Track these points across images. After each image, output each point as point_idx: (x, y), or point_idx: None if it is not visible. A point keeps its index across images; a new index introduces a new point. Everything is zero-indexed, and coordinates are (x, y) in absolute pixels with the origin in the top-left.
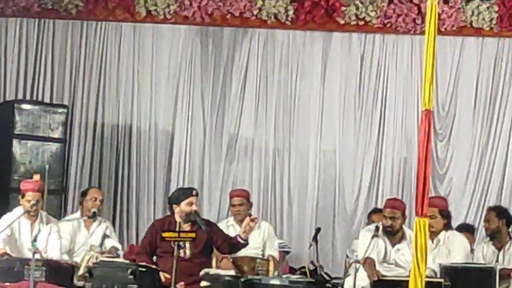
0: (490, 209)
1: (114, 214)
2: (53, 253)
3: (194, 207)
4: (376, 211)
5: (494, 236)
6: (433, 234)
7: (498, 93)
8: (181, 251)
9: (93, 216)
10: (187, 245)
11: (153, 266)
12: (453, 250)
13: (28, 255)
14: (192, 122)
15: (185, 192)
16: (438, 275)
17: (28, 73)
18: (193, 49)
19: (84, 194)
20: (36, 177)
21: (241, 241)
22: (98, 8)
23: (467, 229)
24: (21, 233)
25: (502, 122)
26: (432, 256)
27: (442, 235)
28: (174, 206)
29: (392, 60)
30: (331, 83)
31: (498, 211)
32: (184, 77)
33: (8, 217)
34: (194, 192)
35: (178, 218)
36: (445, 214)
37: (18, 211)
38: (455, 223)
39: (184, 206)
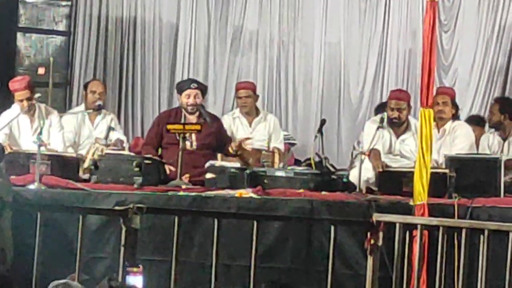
0: (495, 100)
1: (119, 107)
2: (56, 145)
3: (191, 100)
4: (384, 104)
5: (498, 128)
6: (441, 122)
7: None
8: (187, 143)
9: (98, 109)
10: (193, 137)
11: (159, 159)
12: (457, 139)
13: (29, 150)
14: (197, 14)
15: (185, 84)
16: (444, 165)
17: None
18: None
19: (86, 87)
20: (41, 70)
21: (231, 152)
22: None
23: (477, 122)
24: (20, 129)
25: (508, 12)
26: (438, 146)
27: (448, 125)
28: (178, 96)
29: None
30: None
31: (501, 104)
32: None
33: (7, 114)
34: (192, 86)
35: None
36: (455, 104)
37: (15, 108)
38: (461, 115)
39: (182, 98)
